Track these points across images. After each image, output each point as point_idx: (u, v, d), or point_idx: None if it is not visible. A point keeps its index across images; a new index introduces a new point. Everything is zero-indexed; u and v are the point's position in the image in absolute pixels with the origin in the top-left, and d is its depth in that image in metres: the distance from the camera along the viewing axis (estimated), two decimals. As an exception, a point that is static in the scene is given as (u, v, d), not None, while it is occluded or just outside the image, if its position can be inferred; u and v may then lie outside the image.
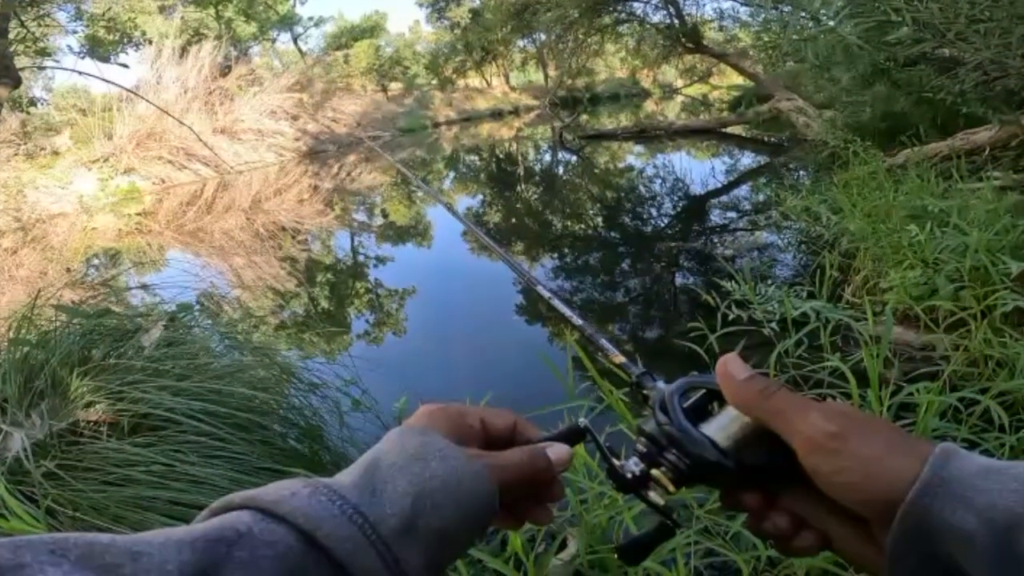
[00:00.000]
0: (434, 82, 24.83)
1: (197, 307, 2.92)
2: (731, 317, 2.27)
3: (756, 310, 2.32)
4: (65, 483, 1.63)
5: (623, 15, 13.38)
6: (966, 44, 3.17)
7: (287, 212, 8.76)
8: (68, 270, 6.26)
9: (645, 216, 7.06)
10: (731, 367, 0.39)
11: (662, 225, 6.47)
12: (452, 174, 12.20)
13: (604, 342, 0.50)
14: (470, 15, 23.98)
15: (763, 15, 6.96)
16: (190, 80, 13.31)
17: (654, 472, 0.40)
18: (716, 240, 5.24)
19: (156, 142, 12.03)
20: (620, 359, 0.48)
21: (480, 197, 9.55)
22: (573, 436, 0.44)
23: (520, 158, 12.71)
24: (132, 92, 11.73)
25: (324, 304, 5.13)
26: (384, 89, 23.17)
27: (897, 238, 2.97)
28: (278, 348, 3.29)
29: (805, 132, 8.26)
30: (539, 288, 0.54)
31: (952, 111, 4.50)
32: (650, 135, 12.10)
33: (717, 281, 2.82)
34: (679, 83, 19.48)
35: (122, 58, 16.35)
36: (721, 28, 12.64)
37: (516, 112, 23.08)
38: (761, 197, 6.33)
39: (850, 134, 5.53)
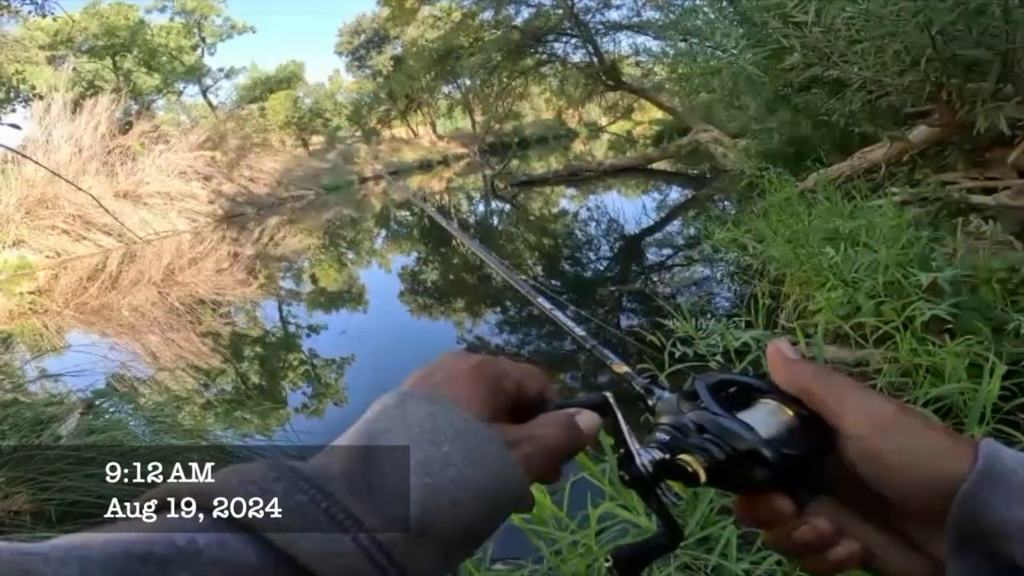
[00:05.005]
0: (358, 134, 23.84)
1: (114, 393, 2.78)
2: (678, 354, 2.32)
3: (700, 345, 2.38)
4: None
5: (544, 56, 13.80)
6: (848, 65, 3.35)
7: (205, 283, 8.24)
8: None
9: (584, 261, 7.16)
10: (783, 348, 0.37)
11: (602, 268, 6.56)
12: (384, 232, 12.03)
13: (607, 352, 0.49)
14: (392, 62, 23.38)
15: (674, 48, 7.29)
16: (85, 138, 12.16)
17: (683, 457, 0.35)
18: (655, 279, 5.35)
19: (48, 209, 10.88)
20: (624, 369, 0.46)
21: (415, 255, 9.46)
22: (597, 407, 0.39)
23: (453, 211, 12.54)
24: (15, 151, 10.62)
25: (255, 379, 4.86)
26: (305, 144, 21.91)
27: (817, 261, 3.09)
28: (210, 428, 3.23)
29: (724, 162, 8.49)
30: (536, 300, 0.56)
31: (847, 131, 4.75)
32: (581, 177, 12.30)
33: (660, 321, 2.91)
34: (603, 121, 20.14)
35: (11, 116, 14.93)
36: (638, 63, 12.94)
37: (446, 162, 22.50)
38: (692, 231, 6.50)
39: (763, 161, 5.78)
